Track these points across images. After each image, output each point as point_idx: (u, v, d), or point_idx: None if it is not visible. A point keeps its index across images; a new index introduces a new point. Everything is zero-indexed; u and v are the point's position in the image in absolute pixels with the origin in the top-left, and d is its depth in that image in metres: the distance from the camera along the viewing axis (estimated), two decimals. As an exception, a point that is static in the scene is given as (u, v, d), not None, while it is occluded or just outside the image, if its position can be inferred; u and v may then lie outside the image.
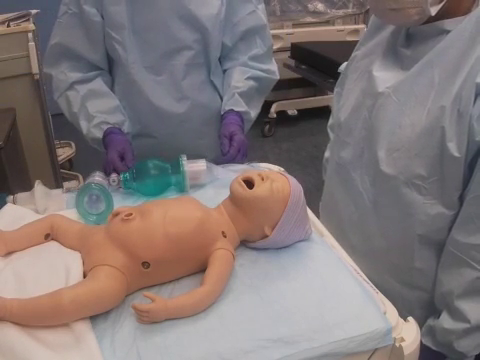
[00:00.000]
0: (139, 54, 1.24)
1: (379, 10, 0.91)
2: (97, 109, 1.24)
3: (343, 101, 1.09)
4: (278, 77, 1.41)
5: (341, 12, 3.74)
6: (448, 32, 0.86)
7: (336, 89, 1.23)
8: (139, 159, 1.21)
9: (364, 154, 0.98)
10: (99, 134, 1.23)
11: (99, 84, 1.28)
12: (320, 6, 3.64)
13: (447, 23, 0.86)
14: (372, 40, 1.07)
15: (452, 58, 0.85)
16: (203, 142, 1.36)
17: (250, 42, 1.32)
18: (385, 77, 0.95)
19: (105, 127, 1.22)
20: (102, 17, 1.20)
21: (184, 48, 1.24)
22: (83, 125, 1.26)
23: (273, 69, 1.39)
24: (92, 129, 1.23)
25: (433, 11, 0.84)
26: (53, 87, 1.30)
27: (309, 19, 3.67)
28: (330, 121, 1.28)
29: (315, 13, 3.65)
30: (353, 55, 1.13)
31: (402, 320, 0.78)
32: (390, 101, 0.92)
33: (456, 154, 0.83)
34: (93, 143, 1.27)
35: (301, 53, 3.60)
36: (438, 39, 0.87)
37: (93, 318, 0.74)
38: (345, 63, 1.19)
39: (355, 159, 1.01)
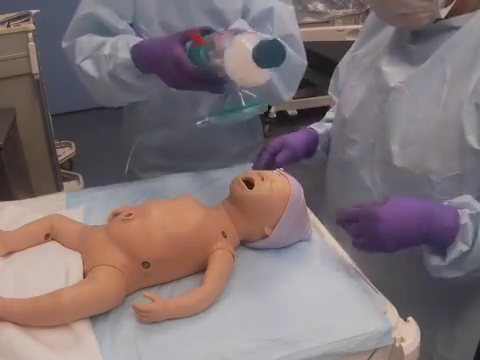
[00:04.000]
0: None
1: (387, 15, 0.91)
2: (126, 40, 1.06)
3: (346, 98, 1.09)
4: (285, 50, 1.20)
5: (341, 12, 3.74)
6: (457, 28, 0.87)
7: (332, 81, 1.23)
8: (162, 153, 1.19)
9: (375, 150, 0.97)
10: (126, 54, 1.01)
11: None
12: (320, 6, 3.64)
13: (454, 20, 0.87)
14: (374, 38, 1.06)
15: (463, 53, 0.85)
16: (228, 136, 1.28)
17: (258, 29, 1.12)
18: (395, 72, 0.94)
19: (132, 44, 1.02)
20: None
21: None
22: (110, 66, 1.04)
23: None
24: (119, 54, 1.02)
25: (443, 13, 0.85)
26: (76, 53, 1.11)
27: (309, 19, 3.66)
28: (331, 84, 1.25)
29: (315, 13, 3.65)
30: (353, 54, 1.13)
31: (402, 320, 0.78)
32: (403, 96, 0.92)
33: (476, 146, 0.82)
34: (123, 73, 1.02)
35: (301, 53, 3.60)
36: (447, 35, 0.88)
37: (93, 318, 0.74)
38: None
39: (364, 156, 1.00)
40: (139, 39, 1.06)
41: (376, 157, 0.97)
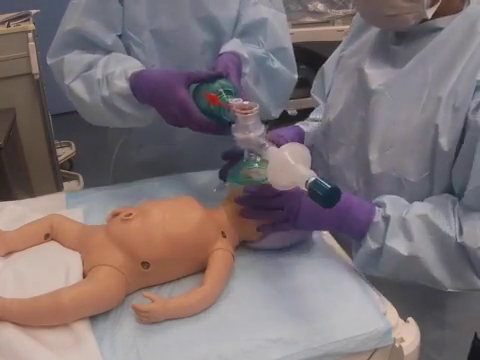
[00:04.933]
0: (158, 57, 1.15)
1: (373, 16, 0.90)
2: (120, 65, 1.03)
3: (331, 101, 1.08)
4: (276, 66, 1.17)
5: (341, 12, 3.74)
6: (440, 29, 0.86)
7: (315, 82, 1.22)
8: (156, 170, 1.15)
9: (358, 153, 0.98)
10: (123, 82, 0.98)
11: (121, 53, 1.11)
12: (320, 6, 3.63)
13: (439, 21, 0.86)
14: (359, 39, 1.06)
15: (446, 54, 0.85)
16: (221, 149, 1.29)
17: (250, 39, 1.17)
18: (377, 74, 0.94)
19: (130, 72, 0.98)
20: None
21: (201, 52, 1.16)
22: (104, 92, 1.00)
23: (274, 59, 1.16)
24: (115, 81, 0.98)
25: (429, 14, 0.84)
26: (64, 72, 1.06)
27: (309, 19, 3.66)
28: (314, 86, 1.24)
29: (315, 13, 3.64)
30: (339, 55, 1.12)
31: (402, 320, 0.78)
32: (384, 98, 0.91)
33: (446, 149, 0.82)
34: (119, 101, 0.99)
35: (301, 53, 3.59)
36: (431, 36, 0.87)
37: (93, 318, 0.74)
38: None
39: (349, 159, 1.00)
40: (135, 63, 1.04)
41: (360, 160, 0.97)
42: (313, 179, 0.69)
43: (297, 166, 0.73)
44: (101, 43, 1.08)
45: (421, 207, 0.84)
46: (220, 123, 0.89)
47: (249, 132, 0.82)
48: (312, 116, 1.23)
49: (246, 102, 0.83)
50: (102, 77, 1.01)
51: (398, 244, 0.81)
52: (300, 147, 0.76)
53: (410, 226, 0.81)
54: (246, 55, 1.07)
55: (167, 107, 0.93)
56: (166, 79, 0.94)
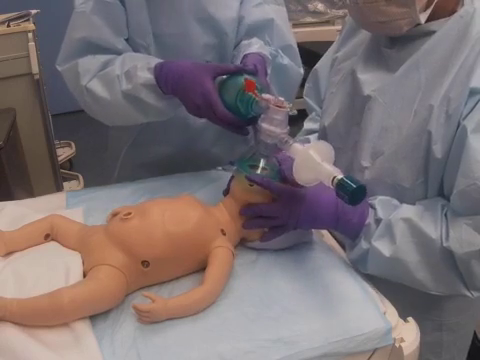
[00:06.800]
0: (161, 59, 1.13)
1: (366, 23, 0.89)
2: (139, 60, 1.04)
3: (326, 105, 1.07)
4: (285, 63, 1.19)
5: (341, 12, 3.74)
6: (434, 32, 0.85)
7: (308, 85, 1.21)
8: (156, 168, 1.16)
9: (354, 159, 0.97)
10: (147, 74, 0.98)
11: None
12: (320, 6, 3.63)
13: (433, 25, 0.85)
14: (353, 39, 1.04)
15: (439, 58, 0.84)
16: (220, 148, 1.27)
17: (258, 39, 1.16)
18: (370, 79, 0.93)
19: (153, 64, 0.99)
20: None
21: (203, 54, 1.16)
22: (125, 86, 1.01)
23: (283, 56, 1.18)
24: (139, 73, 0.99)
25: (422, 19, 0.82)
26: (80, 74, 1.06)
27: (309, 19, 3.66)
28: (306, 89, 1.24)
29: (315, 13, 3.64)
30: (333, 56, 1.10)
31: (402, 320, 0.78)
32: (377, 104, 0.90)
33: (439, 156, 0.82)
34: (143, 92, 0.99)
35: (301, 53, 3.60)
36: (424, 39, 0.86)
37: (93, 318, 0.74)
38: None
39: (347, 164, 0.98)
40: (153, 58, 1.05)
41: (356, 166, 0.96)
42: (340, 177, 0.71)
43: (323, 164, 0.74)
44: (112, 47, 1.09)
45: (407, 210, 0.84)
46: (241, 120, 0.90)
47: (275, 126, 0.83)
48: (307, 127, 1.22)
49: (281, 98, 0.85)
50: (121, 73, 1.02)
51: (382, 245, 0.83)
52: (324, 145, 0.78)
53: (394, 229, 0.82)
54: (269, 55, 1.09)
55: (191, 97, 0.94)
56: (193, 69, 0.95)
